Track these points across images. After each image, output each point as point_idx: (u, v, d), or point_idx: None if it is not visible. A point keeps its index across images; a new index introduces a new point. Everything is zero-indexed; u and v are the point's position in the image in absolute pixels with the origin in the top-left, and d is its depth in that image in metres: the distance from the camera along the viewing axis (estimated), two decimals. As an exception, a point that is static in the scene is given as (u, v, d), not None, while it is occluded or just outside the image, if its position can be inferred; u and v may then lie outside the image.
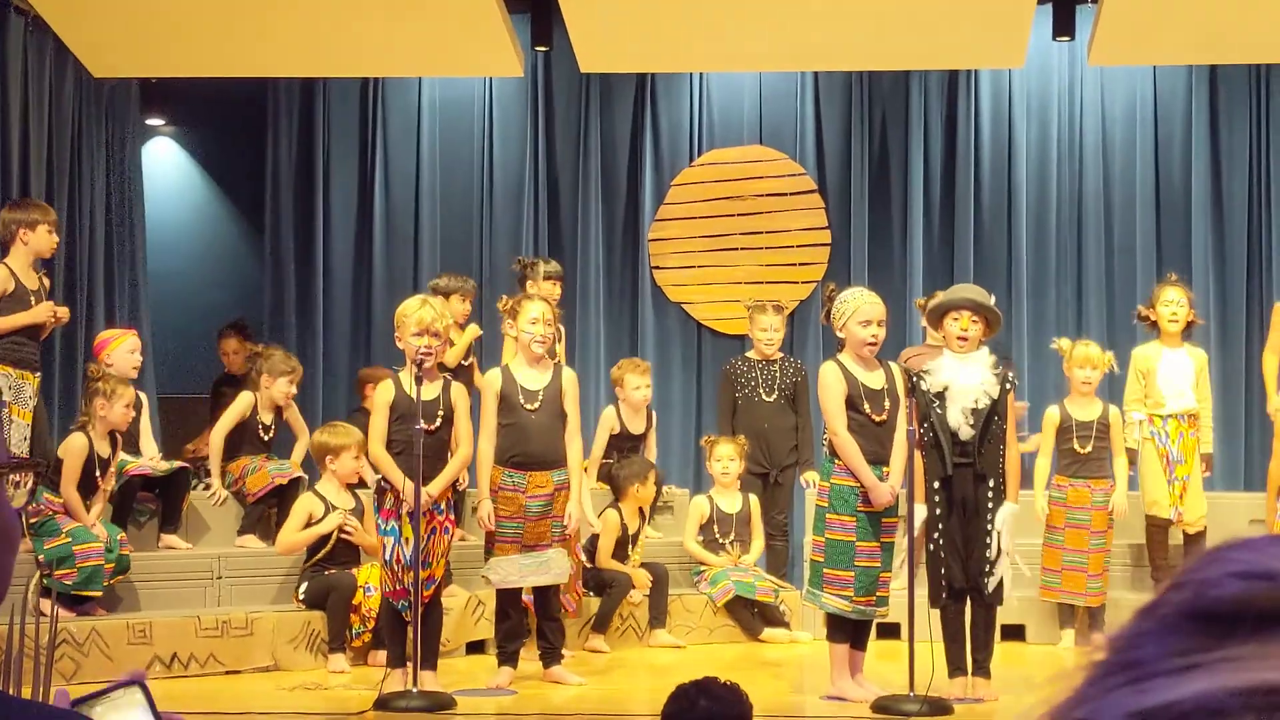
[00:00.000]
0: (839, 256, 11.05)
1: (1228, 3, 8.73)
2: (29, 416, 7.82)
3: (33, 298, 7.95)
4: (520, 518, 7.37)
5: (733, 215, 11.18)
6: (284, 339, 10.48)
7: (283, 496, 8.83)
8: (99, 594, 7.68)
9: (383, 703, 6.80)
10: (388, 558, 7.17)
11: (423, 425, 7.02)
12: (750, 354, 9.59)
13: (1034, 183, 11.00)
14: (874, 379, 7.05)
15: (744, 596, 8.92)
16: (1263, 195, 10.84)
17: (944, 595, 7.12)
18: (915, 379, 7.07)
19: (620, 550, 8.81)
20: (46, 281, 8.24)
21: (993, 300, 7.32)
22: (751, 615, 8.98)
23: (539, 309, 7.50)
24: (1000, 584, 7.15)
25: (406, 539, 7.07)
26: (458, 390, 7.39)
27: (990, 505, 7.10)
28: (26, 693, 5.74)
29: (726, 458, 9.11)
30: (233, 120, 11.36)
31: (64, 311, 8.10)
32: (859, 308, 7.02)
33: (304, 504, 8.24)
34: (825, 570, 7.00)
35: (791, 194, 11.15)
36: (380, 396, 7.31)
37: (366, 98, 11.25)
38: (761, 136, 11.20)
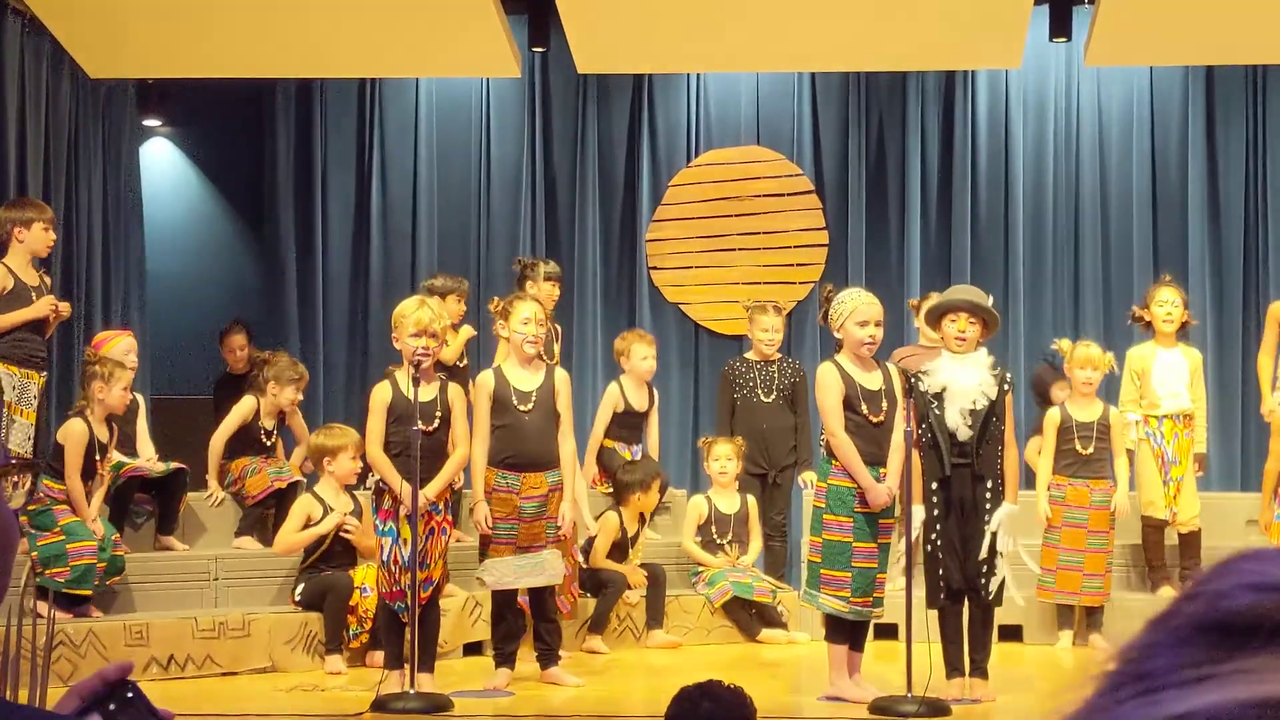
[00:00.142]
0: (836, 257, 11.06)
1: (1224, 4, 8.73)
2: (33, 416, 7.81)
3: (34, 294, 7.95)
4: (514, 519, 7.36)
5: (730, 216, 11.18)
6: (281, 339, 10.48)
7: (281, 499, 8.83)
8: (89, 592, 7.66)
9: (380, 704, 6.80)
10: (385, 558, 7.16)
11: (420, 426, 7.02)
12: (749, 355, 9.58)
13: (1031, 183, 11.01)
14: (871, 380, 7.05)
15: (741, 597, 8.92)
16: (1259, 196, 10.84)
17: (941, 596, 7.12)
18: (913, 380, 7.07)
19: (617, 552, 8.80)
20: (48, 280, 8.24)
21: (990, 301, 7.32)
22: (749, 616, 8.98)
23: (531, 309, 7.50)
24: (1002, 586, 7.16)
25: (404, 540, 7.07)
26: (455, 391, 7.38)
27: (988, 506, 7.10)
28: (24, 695, 5.74)
29: (724, 457, 9.11)
30: (230, 121, 11.35)
31: (65, 306, 8.10)
32: (856, 308, 7.02)
33: (302, 505, 8.23)
34: (822, 571, 7.00)
35: (789, 194, 11.15)
36: (377, 397, 7.30)
37: (364, 98, 11.24)
38: (759, 137, 11.19)
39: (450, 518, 7.46)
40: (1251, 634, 0.65)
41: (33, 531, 7.58)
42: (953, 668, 7.11)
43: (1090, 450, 8.58)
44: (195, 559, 8.48)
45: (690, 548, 9.16)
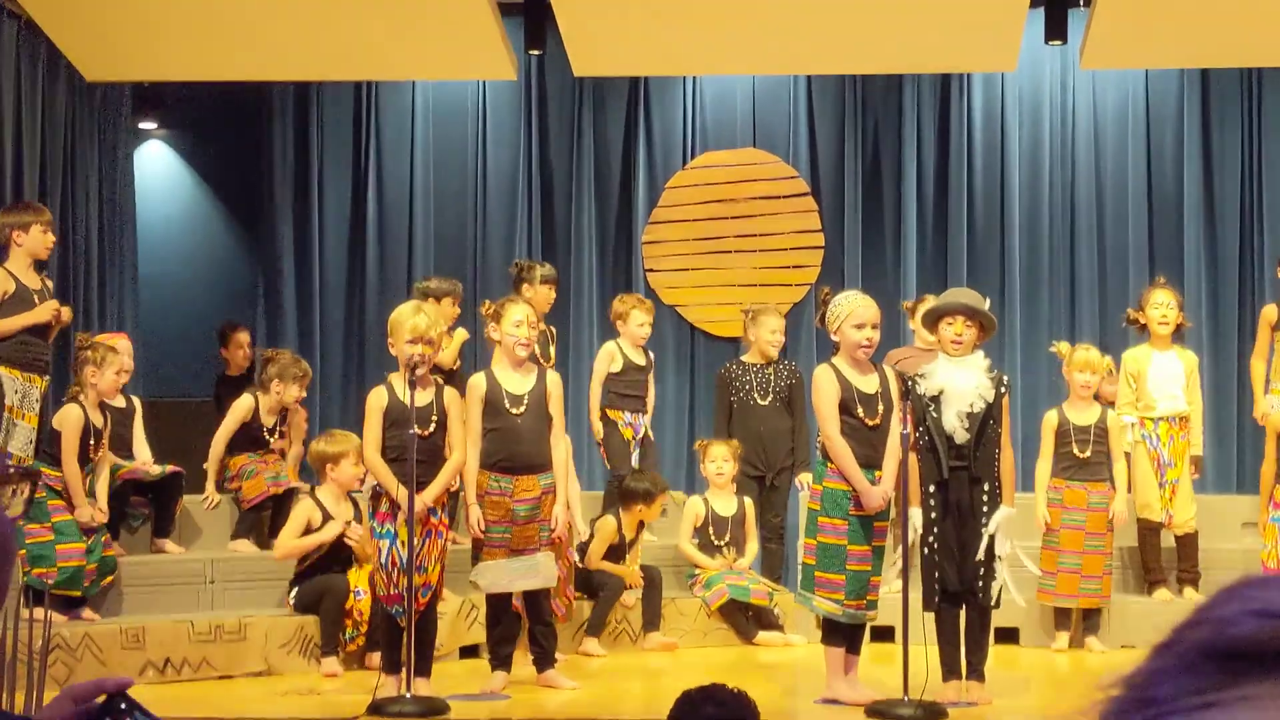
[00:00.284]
0: (832, 259, 11.06)
1: (1219, 7, 8.73)
2: (35, 420, 7.81)
3: (36, 297, 7.95)
4: (508, 522, 7.36)
5: (726, 218, 11.18)
6: (277, 342, 10.47)
7: (278, 503, 8.83)
8: (78, 593, 7.65)
9: (376, 708, 6.80)
10: (383, 561, 7.16)
11: (416, 431, 7.01)
12: (745, 357, 9.59)
13: (1026, 186, 11.01)
14: (868, 383, 7.05)
15: (738, 600, 8.92)
16: (1254, 199, 10.85)
17: (938, 599, 7.12)
18: (910, 383, 7.07)
19: (612, 556, 8.80)
20: (49, 283, 8.24)
21: (987, 304, 7.32)
22: (746, 619, 8.98)
23: (522, 312, 7.50)
24: (1001, 590, 7.16)
25: (402, 542, 7.06)
26: (450, 395, 7.38)
27: (985, 509, 7.10)
28: (20, 698, 5.73)
29: (721, 459, 9.12)
30: (226, 124, 11.35)
31: (67, 311, 8.10)
32: (853, 311, 7.02)
33: (303, 510, 8.21)
34: (816, 573, 7.01)
35: (785, 197, 11.15)
36: (373, 403, 7.30)
37: (360, 101, 11.24)
38: (755, 139, 11.20)
39: (447, 520, 7.45)
40: (1256, 661, 0.65)
41: (22, 524, 7.57)
42: (949, 670, 7.12)
43: (1088, 453, 8.58)
44: (191, 562, 8.48)
45: (687, 549, 9.16)
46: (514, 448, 7.38)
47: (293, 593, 8.12)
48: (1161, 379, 8.89)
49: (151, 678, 7.48)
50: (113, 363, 7.99)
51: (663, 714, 3.57)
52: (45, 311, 7.86)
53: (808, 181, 11.15)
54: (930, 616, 7.11)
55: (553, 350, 9.12)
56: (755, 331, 9.47)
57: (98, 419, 7.95)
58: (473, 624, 8.22)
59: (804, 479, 9.01)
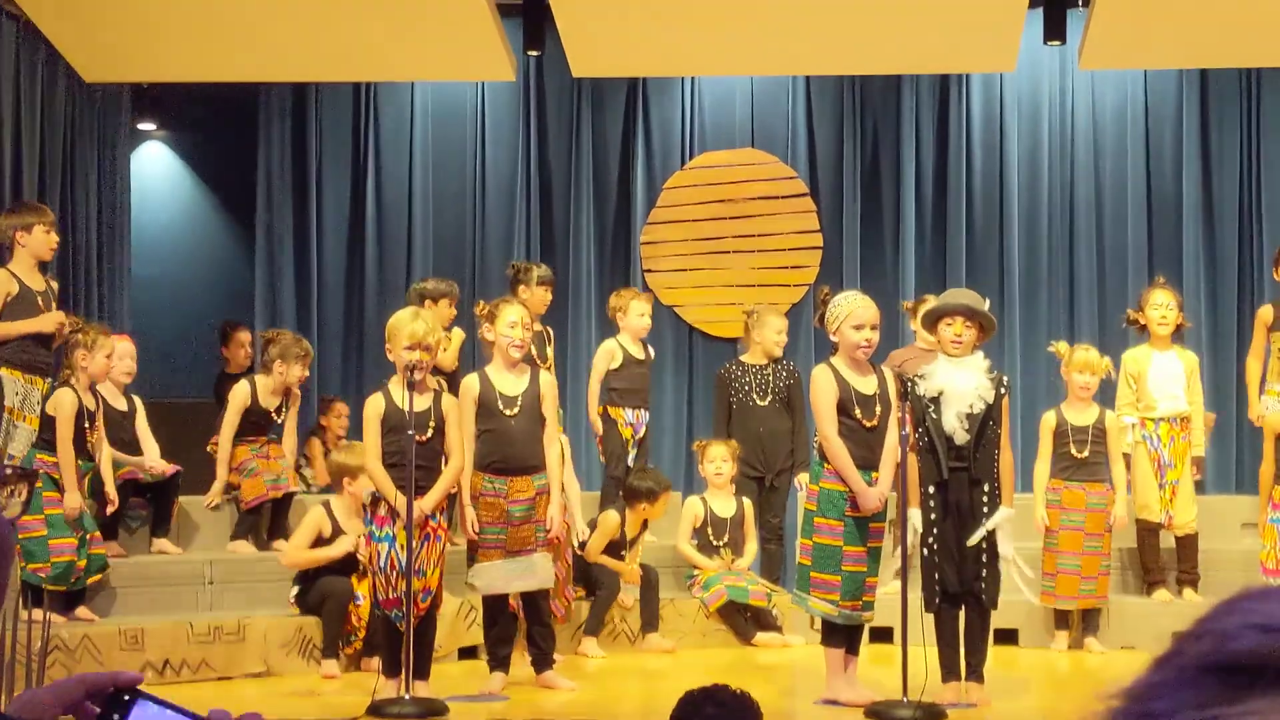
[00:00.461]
0: (831, 260, 11.05)
1: (1218, 7, 8.73)
2: (36, 422, 7.80)
3: (39, 299, 7.94)
4: (503, 523, 7.36)
5: (724, 219, 11.17)
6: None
7: (277, 504, 8.81)
8: (63, 588, 7.63)
9: (375, 709, 6.79)
10: (382, 564, 7.15)
11: (414, 434, 7.00)
12: (744, 358, 9.58)
13: (1025, 186, 11.01)
14: (866, 384, 7.04)
15: (736, 601, 8.92)
16: (1253, 199, 10.85)
17: (937, 600, 7.12)
18: (909, 384, 7.07)
19: (611, 551, 8.78)
20: (55, 284, 8.23)
21: (987, 305, 7.32)
22: (744, 620, 8.97)
23: (517, 313, 7.49)
24: (997, 588, 7.16)
25: (401, 546, 7.06)
26: (449, 401, 7.37)
27: (985, 510, 7.10)
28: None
29: (720, 459, 9.11)
30: (225, 125, 11.34)
31: (70, 322, 8.09)
32: (852, 311, 7.02)
33: (314, 520, 8.12)
34: (812, 574, 7.00)
35: (783, 197, 11.15)
36: (371, 409, 7.28)
37: (359, 102, 11.23)
38: (753, 140, 11.19)
39: (445, 524, 7.44)
40: (1258, 675, 0.64)
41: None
42: (949, 671, 7.11)
43: (1086, 454, 8.58)
44: (190, 562, 8.48)
45: (685, 550, 9.15)
46: (508, 449, 7.38)
47: (294, 591, 8.10)
48: (1162, 379, 8.89)
49: (151, 679, 7.47)
50: (104, 346, 7.98)
51: (661, 715, 3.56)
52: (49, 322, 7.85)
53: (806, 182, 11.14)
54: (929, 617, 7.11)
55: (550, 351, 9.11)
56: (760, 332, 9.46)
57: (90, 402, 7.94)
58: (471, 625, 8.22)
59: (803, 479, 9.00)
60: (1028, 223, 11.00)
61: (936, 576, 7.11)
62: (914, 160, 11.03)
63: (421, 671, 7.10)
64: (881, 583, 7.33)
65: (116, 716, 1.40)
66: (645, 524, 8.93)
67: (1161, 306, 8.90)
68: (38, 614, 6.67)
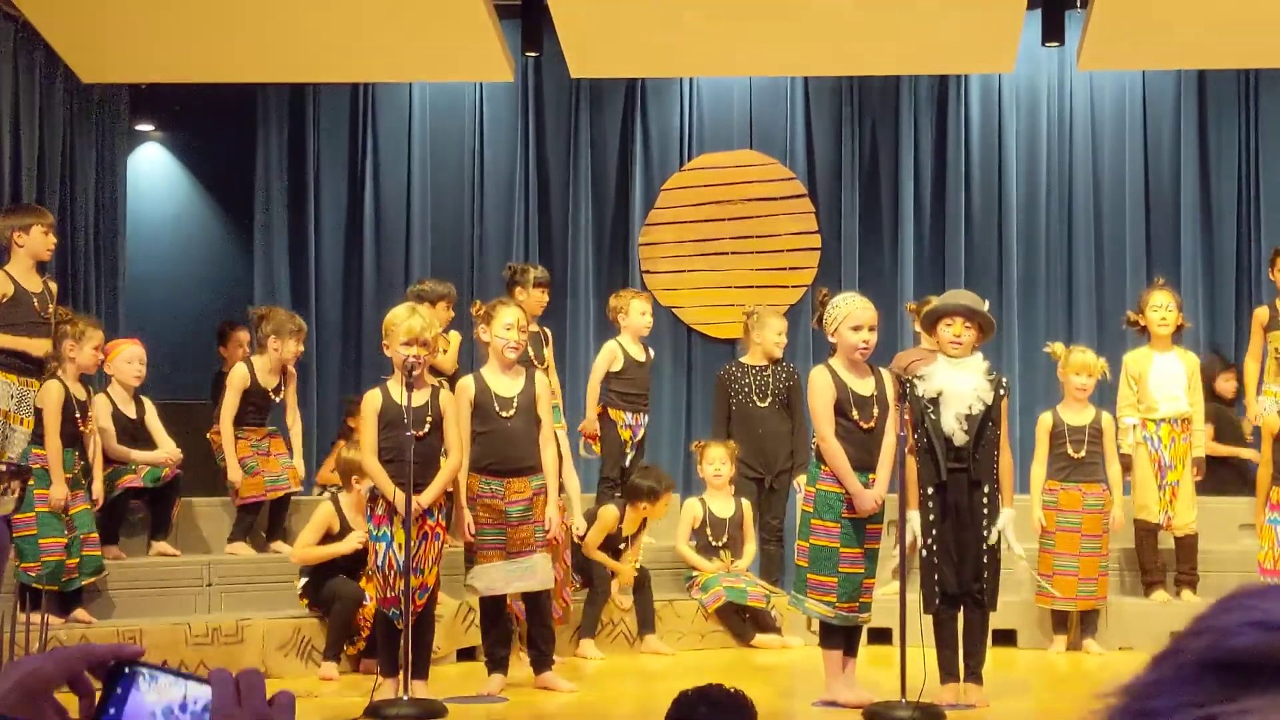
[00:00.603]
0: (829, 261, 11.06)
1: (1216, 8, 8.73)
2: (31, 424, 7.79)
3: (35, 300, 7.93)
4: (501, 525, 7.36)
5: (723, 220, 11.17)
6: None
7: (275, 505, 8.78)
8: (55, 587, 7.61)
9: (374, 710, 6.79)
10: (379, 563, 7.15)
11: (412, 432, 7.00)
12: (744, 359, 9.57)
13: (1024, 187, 11.01)
14: (864, 385, 7.03)
15: (735, 603, 8.91)
16: (1251, 200, 10.85)
17: (936, 601, 7.11)
18: (908, 385, 7.06)
19: (608, 546, 8.75)
20: (53, 285, 8.22)
21: (986, 306, 7.31)
22: (743, 621, 8.97)
23: (513, 315, 7.49)
24: (996, 589, 7.17)
25: (399, 545, 7.05)
26: (446, 397, 7.37)
27: (985, 511, 7.09)
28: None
29: (719, 461, 9.10)
30: (223, 125, 11.33)
31: (63, 314, 8.09)
32: (850, 313, 7.01)
33: (323, 515, 8.08)
34: (809, 575, 7.00)
35: (781, 198, 11.15)
36: (368, 405, 7.28)
37: (357, 103, 11.23)
38: (751, 141, 11.19)
39: (444, 523, 7.43)
40: (1257, 673, 0.64)
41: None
42: (947, 673, 7.11)
43: (1082, 454, 8.58)
44: (188, 564, 8.47)
45: (684, 551, 9.14)
46: (504, 450, 7.38)
47: (302, 583, 8.05)
48: (1163, 380, 8.88)
49: (148, 680, 7.45)
50: (92, 338, 7.94)
51: (658, 716, 3.56)
52: (38, 347, 7.84)
53: (805, 183, 11.14)
54: (929, 619, 7.10)
55: (548, 352, 9.11)
56: (759, 333, 9.45)
57: (80, 392, 7.90)
58: (470, 627, 8.21)
59: (801, 481, 9.00)
60: (1026, 223, 11.00)
61: (935, 578, 7.11)
62: (912, 161, 11.03)
63: (420, 672, 7.10)
64: (881, 583, 7.33)
65: (119, 689, 1.39)
66: (644, 523, 8.91)
67: (1161, 308, 8.90)
68: (35, 617, 6.66)
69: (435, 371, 8.50)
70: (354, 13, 8.87)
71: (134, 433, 8.42)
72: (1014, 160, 10.99)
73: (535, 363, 8.37)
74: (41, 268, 8.20)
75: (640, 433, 9.29)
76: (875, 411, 7.00)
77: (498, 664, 7.42)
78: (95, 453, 8.06)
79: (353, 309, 11.19)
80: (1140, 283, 10.25)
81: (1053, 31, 9.93)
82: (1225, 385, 9.20)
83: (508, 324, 7.44)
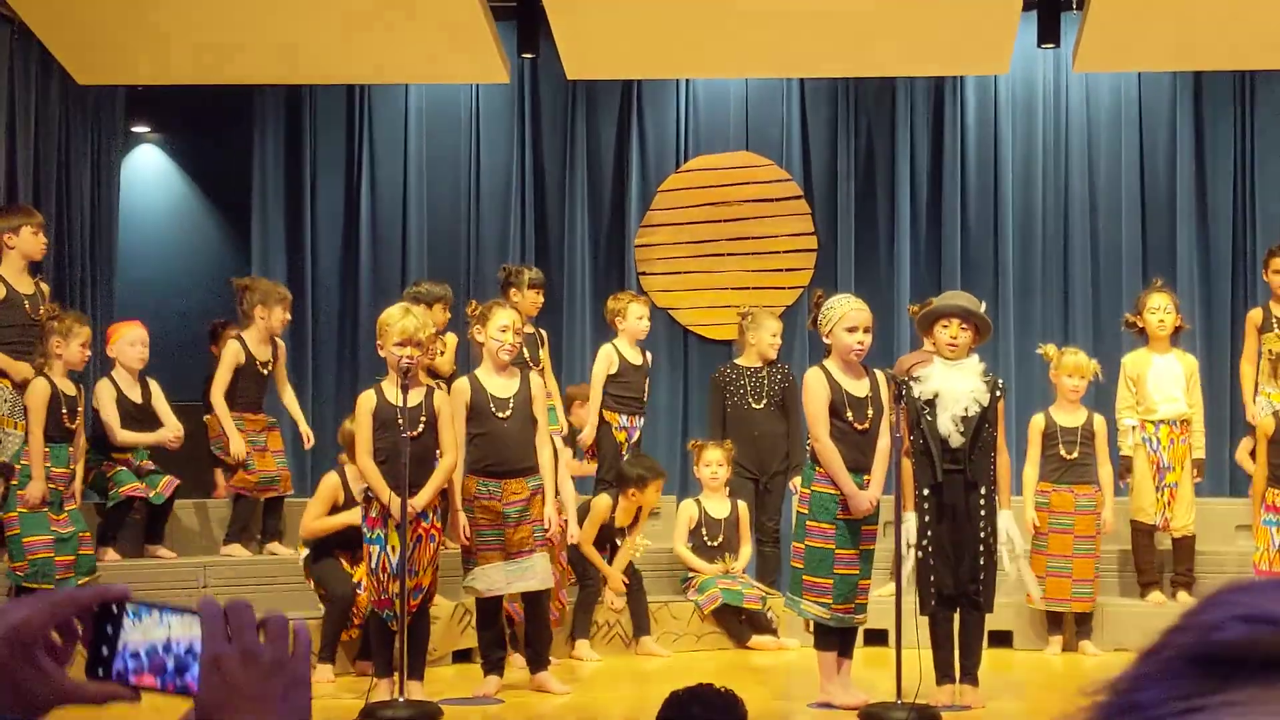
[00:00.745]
0: (825, 263, 11.06)
1: (1212, 10, 8.74)
2: (24, 428, 7.78)
3: (27, 303, 7.93)
4: (500, 526, 7.36)
5: (719, 221, 11.18)
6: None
7: (270, 504, 8.77)
8: (49, 586, 7.59)
9: (369, 712, 6.79)
10: (374, 566, 7.15)
11: (407, 433, 7.00)
12: (739, 360, 9.58)
13: (1019, 189, 11.02)
14: (859, 387, 7.04)
15: (731, 605, 8.91)
16: (1247, 201, 10.86)
17: (932, 602, 7.12)
18: (904, 386, 7.06)
19: (602, 539, 8.71)
20: (45, 287, 8.20)
21: (983, 308, 7.31)
22: (739, 622, 8.96)
23: (508, 317, 7.49)
24: (992, 590, 7.18)
25: (393, 547, 7.05)
26: (440, 397, 7.37)
27: (982, 513, 7.09)
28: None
29: (715, 463, 9.10)
30: (219, 127, 11.33)
31: (50, 310, 8.08)
32: (846, 314, 7.02)
33: (329, 488, 7.97)
34: (804, 577, 7.00)
35: (778, 200, 11.15)
36: (362, 405, 7.28)
37: (353, 105, 11.23)
38: (748, 143, 11.19)
39: (439, 524, 7.42)
40: (1241, 666, 0.64)
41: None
42: (943, 674, 7.11)
43: (1074, 455, 8.58)
44: (183, 567, 8.46)
45: (682, 553, 9.13)
46: (501, 452, 7.38)
47: (305, 554, 8.00)
48: (1161, 382, 8.89)
49: (144, 682, 7.44)
50: (79, 334, 7.91)
51: (652, 718, 3.56)
52: (19, 371, 7.83)
53: (801, 185, 11.15)
54: (924, 620, 7.11)
55: (543, 354, 9.11)
56: (755, 334, 9.45)
57: (68, 388, 7.88)
58: (466, 628, 8.21)
59: (797, 483, 9.00)
60: (1022, 225, 11.00)
61: (931, 579, 7.11)
62: (908, 163, 11.03)
63: (416, 673, 7.10)
64: (874, 583, 7.32)
65: (109, 628, 1.38)
66: (639, 516, 8.86)
67: (1159, 310, 8.91)
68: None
69: (433, 374, 8.50)
70: (350, 15, 8.87)
71: (140, 416, 8.38)
72: (1010, 162, 10.99)
73: (531, 364, 8.37)
74: (35, 269, 8.19)
75: (636, 435, 9.29)
76: (870, 413, 7.01)
77: (493, 665, 7.43)
78: (79, 452, 8.02)
79: (349, 310, 11.19)
80: (1136, 284, 10.26)
81: (1048, 33, 9.94)
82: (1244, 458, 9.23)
83: (503, 325, 7.45)
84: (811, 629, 7.37)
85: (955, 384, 7.11)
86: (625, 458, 9.02)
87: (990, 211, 11.01)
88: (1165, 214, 10.92)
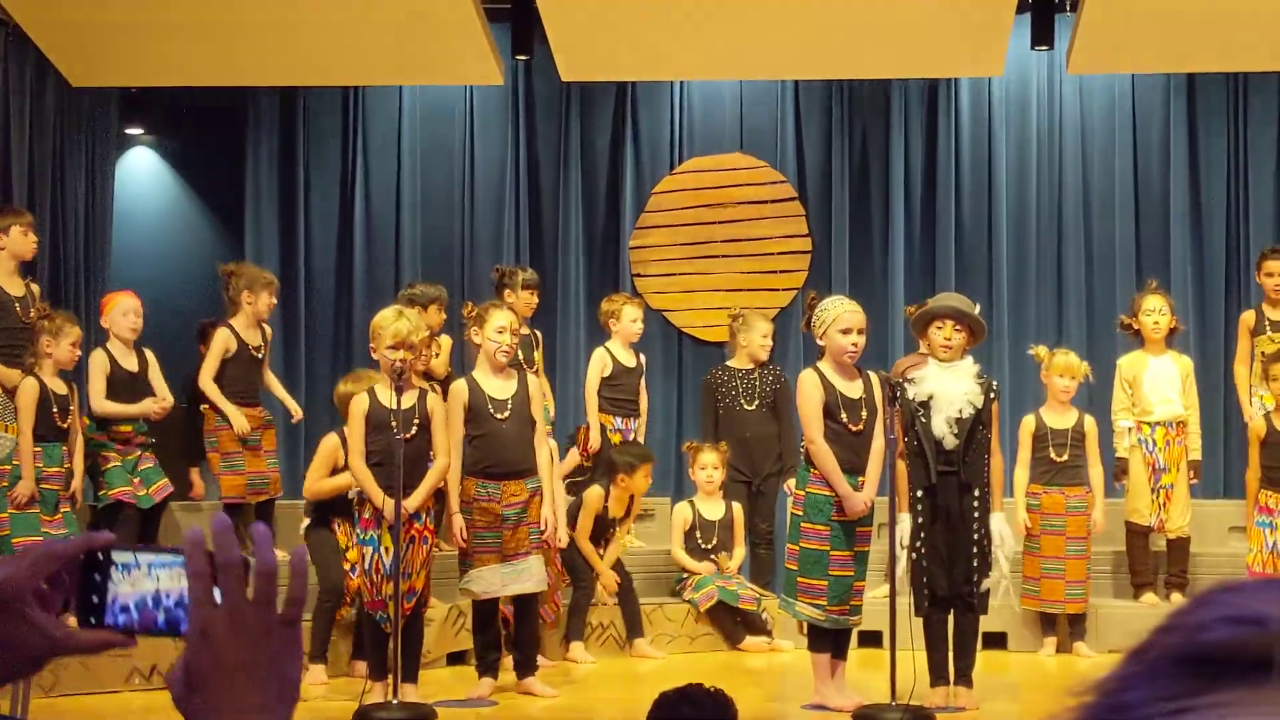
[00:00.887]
0: (819, 264, 11.06)
1: (1205, 12, 8.75)
2: (16, 430, 7.77)
3: (17, 305, 7.91)
4: (497, 528, 7.35)
5: (713, 223, 11.18)
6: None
7: (260, 508, 8.73)
8: None
9: (363, 714, 6.78)
10: (367, 567, 7.14)
11: (401, 435, 6.99)
12: (731, 362, 9.58)
13: (1014, 190, 11.02)
14: (852, 388, 7.04)
15: (727, 604, 8.91)
16: (1241, 203, 10.87)
17: (927, 604, 7.12)
18: (898, 388, 7.06)
19: (598, 530, 8.70)
20: (36, 288, 8.18)
21: (977, 310, 7.32)
22: (734, 623, 8.97)
23: (505, 318, 7.49)
24: (1003, 588, 7.18)
25: (386, 548, 7.05)
26: (434, 400, 7.36)
27: (976, 515, 7.10)
28: (4, 705, 5.71)
29: (711, 465, 9.09)
30: (213, 129, 11.32)
31: (41, 309, 8.06)
32: (839, 316, 7.02)
33: (329, 449, 7.87)
34: (799, 579, 7.00)
35: (772, 202, 11.15)
36: (355, 408, 7.26)
37: (347, 106, 11.22)
38: (742, 144, 11.20)
39: (432, 526, 7.41)
40: (1228, 667, 0.64)
41: None
42: (937, 675, 7.11)
43: (1065, 457, 8.59)
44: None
45: (678, 554, 9.13)
46: (500, 453, 7.38)
47: (304, 524, 7.95)
48: (1157, 383, 8.90)
49: (138, 684, 7.44)
50: (69, 334, 7.89)
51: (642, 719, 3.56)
52: (9, 379, 7.82)
53: (795, 186, 11.15)
54: (919, 621, 7.11)
55: (538, 355, 9.10)
56: (746, 336, 9.45)
57: (60, 387, 7.85)
58: (460, 631, 8.21)
59: (791, 485, 8.99)
60: (1016, 227, 11.01)
61: (925, 581, 7.11)
62: (903, 164, 11.04)
63: (410, 675, 7.09)
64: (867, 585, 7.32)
65: (97, 576, 1.38)
66: (632, 506, 8.83)
67: (1155, 311, 8.92)
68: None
69: (428, 376, 8.49)
70: (344, 16, 8.87)
71: (134, 386, 8.35)
72: (1004, 163, 11.00)
73: (525, 365, 8.37)
74: (26, 270, 8.17)
75: (631, 437, 9.29)
76: (864, 414, 7.01)
77: (488, 668, 7.42)
78: (77, 450, 8.00)
79: (343, 312, 11.18)
80: (1130, 285, 10.26)
81: (1042, 35, 9.94)
82: None
83: (500, 327, 7.44)
84: (805, 631, 7.37)
85: (949, 386, 7.12)
86: (612, 448, 9.03)
87: (984, 213, 11.01)
88: (1159, 216, 10.93)
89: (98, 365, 8.25)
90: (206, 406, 8.64)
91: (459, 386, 7.49)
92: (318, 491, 7.87)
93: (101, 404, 8.23)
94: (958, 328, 7.17)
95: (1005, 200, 10.98)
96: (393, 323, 7.15)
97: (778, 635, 8.91)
